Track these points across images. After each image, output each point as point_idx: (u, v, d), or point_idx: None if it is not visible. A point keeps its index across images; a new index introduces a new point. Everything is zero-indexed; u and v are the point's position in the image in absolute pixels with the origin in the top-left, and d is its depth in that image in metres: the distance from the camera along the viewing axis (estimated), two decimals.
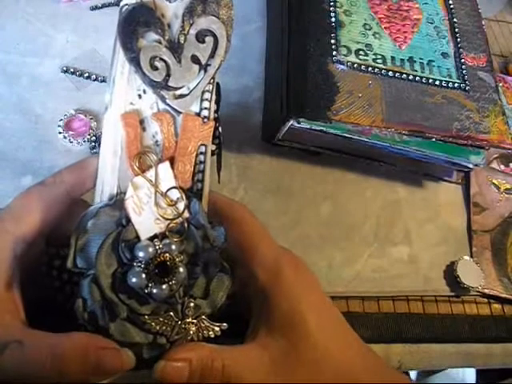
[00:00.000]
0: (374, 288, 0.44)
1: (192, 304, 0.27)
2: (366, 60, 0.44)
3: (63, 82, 0.46)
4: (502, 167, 0.54)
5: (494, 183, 0.52)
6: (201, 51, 0.28)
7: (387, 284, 0.45)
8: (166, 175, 0.28)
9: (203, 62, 0.28)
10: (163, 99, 0.28)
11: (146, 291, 0.26)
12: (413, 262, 0.47)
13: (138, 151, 0.28)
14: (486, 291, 0.46)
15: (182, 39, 0.28)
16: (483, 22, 0.51)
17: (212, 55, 0.28)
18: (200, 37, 0.28)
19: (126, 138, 0.28)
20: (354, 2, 0.48)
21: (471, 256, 0.47)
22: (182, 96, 0.28)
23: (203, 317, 0.27)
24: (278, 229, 0.43)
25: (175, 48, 0.28)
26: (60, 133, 0.43)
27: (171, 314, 0.26)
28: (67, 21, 0.49)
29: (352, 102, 0.42)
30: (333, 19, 0.46)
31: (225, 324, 0.27)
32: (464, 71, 0.47)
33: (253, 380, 0.24)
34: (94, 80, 0.46)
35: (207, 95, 0.29)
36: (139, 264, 0.26)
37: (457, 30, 0.49)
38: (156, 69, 0.27)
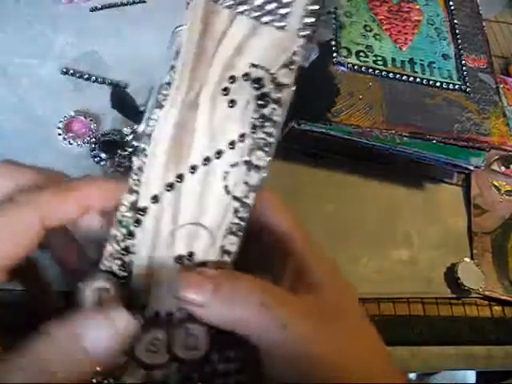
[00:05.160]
0: (375, 290, 0.44)
1: None
2: (367, 61, 0.44)
3: (63, 84, 0.46)
4: (503, 169, 0.54)
5: (494, 185, 0.52)
6: None
7: (388, 286, 0.45)
8: None
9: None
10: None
11: None
12: (413, 264, 0.46)
13: None
14: (487, 293, 0.46)
15: None
16: (484, 23, 0.51)
17: None
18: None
19: None
20: (354, 3, 0.48)
21: (472, 258, 0.47)
22: None
23: None
24: None
25: None
26: (60, 134, 0.43)
27: None
28: (67, 22, 0.49)
29: (352, 103, 0.42)
30: (333, 20, 0.46)
31: None
32: (465, 73, 0.47)
33: (308, 325, 0.23)
34: (94, 81, 0.46)
35: None
36: None
37: (457, 31, 0.49)
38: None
